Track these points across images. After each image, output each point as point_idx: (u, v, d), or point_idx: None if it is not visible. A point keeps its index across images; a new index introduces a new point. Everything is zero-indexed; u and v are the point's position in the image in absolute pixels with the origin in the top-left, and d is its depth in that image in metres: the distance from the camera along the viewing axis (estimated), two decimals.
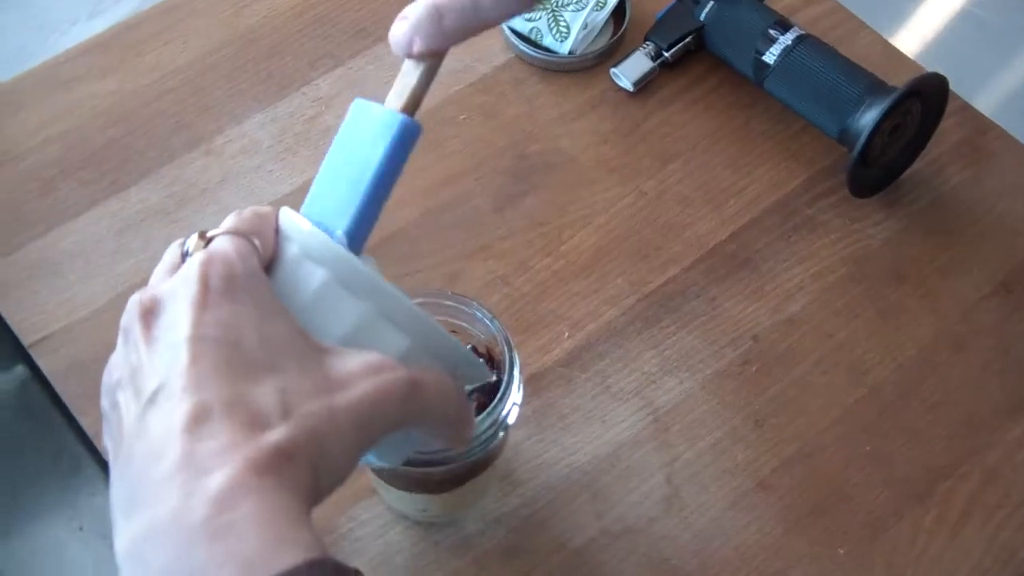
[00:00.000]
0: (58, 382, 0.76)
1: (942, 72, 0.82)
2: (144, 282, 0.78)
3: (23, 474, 0.80)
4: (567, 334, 0.79)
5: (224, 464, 0.44)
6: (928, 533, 0.72)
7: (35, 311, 0.79)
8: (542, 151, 0.86)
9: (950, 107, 0.84)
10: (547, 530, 0.72)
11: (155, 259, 0.78)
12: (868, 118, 0.80)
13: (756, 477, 0.74)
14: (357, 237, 0.53)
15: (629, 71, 0.89)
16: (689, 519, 0.72)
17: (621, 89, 0.89)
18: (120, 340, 0.50)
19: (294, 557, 0.42)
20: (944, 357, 0.79)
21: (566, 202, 0.84)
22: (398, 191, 0.83)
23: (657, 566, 0.71)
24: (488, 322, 0.66)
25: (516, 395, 0.65)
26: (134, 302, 0.50)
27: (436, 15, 0.51)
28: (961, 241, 0.84)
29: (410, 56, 0.53)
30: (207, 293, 0.48)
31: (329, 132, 0.87)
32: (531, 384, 0.77)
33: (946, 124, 0.85)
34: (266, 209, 0.53)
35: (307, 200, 0.55)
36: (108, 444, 0.50)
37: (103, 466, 0.75)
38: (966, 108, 0.90)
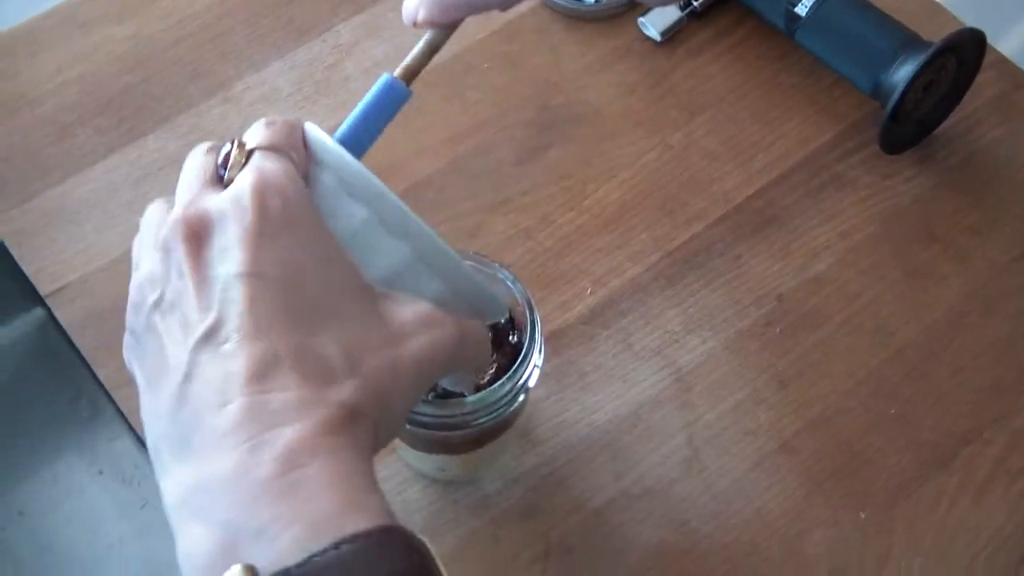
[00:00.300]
0: (75, 333, 0.76)
1: (980, 24, 0.80)
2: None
3: (42, 418, 0.80)
4: (589, 290, 0.78)
5: (294, 420, 0.42)
6: (950, 498, 0.71)
7: (52, 260, 0.78)
8: (566, 103, 0.85)
9: (986, 61, 0.82)
10: (566, 490, 0.71)
11: None
12: (902, 74, 0.78)
13: (778, 439, 0.73)
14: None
15: (657, 20, 0.87)
16: (709, 481, 0.72)
17: (648, 39, 0.88)
18: (155, 255, 0.48)
19: (365, 521, 0.41)
20: (971, 320, 0.77)
21: (590, 155, 0.83)
22: (421, 140, 0.83)
23: (676, 528, 0.70)
24: (510, 284, 0.65)
25: (537, 358, 0.64)
26: (177, 218, 0.47)
27: None
28: (993, 200, 0.82)
29: (415, 25, 0.54)
30: (264, 223, 0.46)
31: (349, 80, 0.85)
32: (552, 341, 0.76)
33: (982, 78, 0.83)
34: (295, 120, 0.51)
35: None
36: (135, 366, 0.48)
37: (122, 413, 0.75)
38: (1004, 62, 0.87)
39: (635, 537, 0.70)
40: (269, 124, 0.50)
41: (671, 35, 0.87)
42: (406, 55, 0.57)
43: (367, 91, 0.56)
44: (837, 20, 0.81)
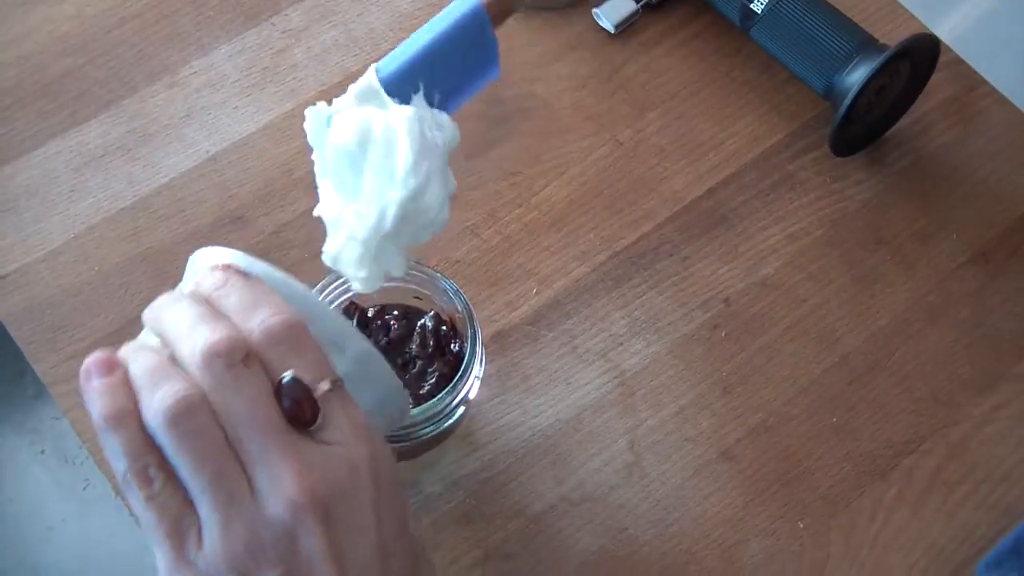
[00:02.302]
0: (13, 326, 0.74)
1: (935, 26, 0.79)
2: (104, 223, 0.77)
3: None
4: (535, 290, 0.77)
5: None
6: (888, 509, 0.72)
7: None
8: (517, 95, 0.84)
9: (941, 60, 0.81)
10: (506, 495, 0.71)
11: (114, 199, 0.78)
12: (855, 77, 0.77)
13: (720, 446, 0.73)
14: (392, 83, 0.56)
15: (611, 12, 0.86)
16: (649, 488, 0.72)
17: (602, 30, 0.86)
18: (281, 527, 0.44)
19: None
20: (916, 328, 0.77)
21: (539, 151, 0.82)
22: None
23: (615, 535, 0.70)
24: (452, 295, 0.64)
25: (478, 370, 0.64)
26: (303, 502, 0.44)
27: None
28: (942, 205, 0.82)
29: None
30: (381, 497, 0.46)
31: (297, 68, 0.84)
32: (496, 342, 0.75)
33: (934, 80, 0.82)
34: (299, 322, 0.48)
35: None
36: None
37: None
38: (957, 63, 0.87)
39: (574, 544, 0.70)
40: (298, 345, 0.46)
41: (625, 27, 0.86)
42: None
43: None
44: (792, 19, 0.80)
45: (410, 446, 0.64)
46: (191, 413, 0.43)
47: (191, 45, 0.84)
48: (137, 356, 0.46)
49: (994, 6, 1.71)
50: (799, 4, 0.80)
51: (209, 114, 0.82)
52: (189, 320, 0.46)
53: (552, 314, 0.77)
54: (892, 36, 0.81)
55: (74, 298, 0.76)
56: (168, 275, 0.76)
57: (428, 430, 0.63)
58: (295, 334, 0.46)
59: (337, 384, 0.45)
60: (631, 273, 0.78)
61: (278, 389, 0.45)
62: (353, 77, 0.83)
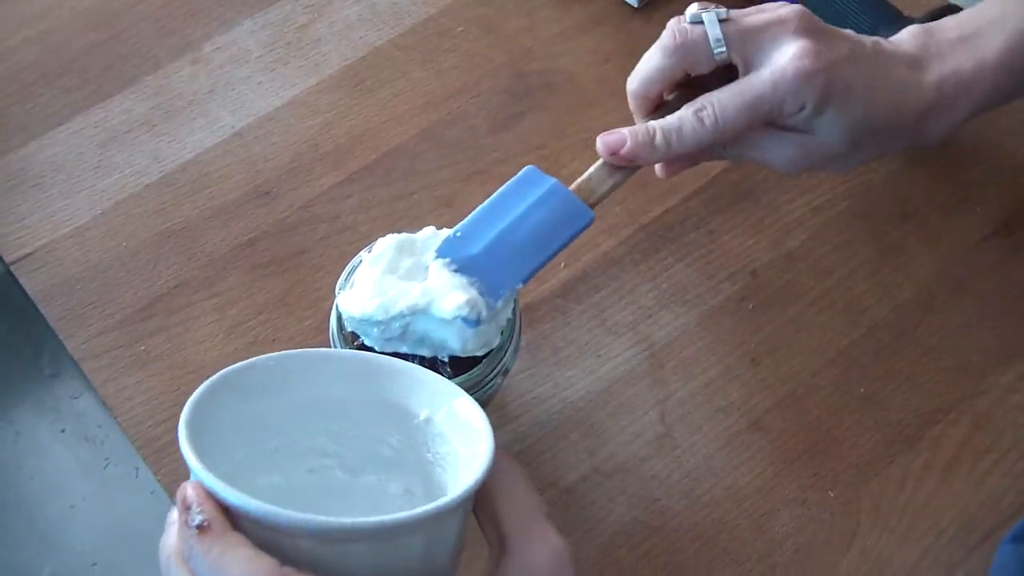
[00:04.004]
0: (42, 302, 0.74)
1: None
2: (130, 199, 0.76)
3: (1, 376, 0.79)
4: (563, 264, 0.78)
5: None
6: (916, 478, 0.73)
7: (17, 226, 0.76)
8: (541, 70, 0.84)
9: None
10: (539, 466, 0.72)
11: (140, 175, 0.78)
12: None
13: (749, 417, 0.74)
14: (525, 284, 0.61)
15: None
16: (681, 459, 0.72)
17: (625, 5, 0.86)
18: None
19: None
20: (941, 300, 0.78)
21: (565, 125, 0.82)
22: (395, 107, 0.82)
23: (647, 506, 0.71)
24: None
25: (517, 339, 0.64)
26: None
27: (653, 132, 0.63)
28: (965, 179, 0.82)
29: (609, 160, 0.65)
30: None
31: (320, 43, 0.84)
32: (526, 315, 0.76)
33: None
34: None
35: (466, 229, 0.61)
36: None
37: (82, 369, 0.74)
38: None
39: (607, 514, 0.71)
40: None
41: (648, 1, 0.86)
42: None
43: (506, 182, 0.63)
44: None
45: None
46: None
47: (214, 21, 0.84)
48: None
49: None
50: None
51: (233, 89, 0.82)
52: None
53: (581, 287, 0.77)
54: (917, 9, 0.81)
55: (102, 274, 0.76)
56: (195, 251, 0.76)
57: None
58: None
59: None
60: (658, 246, 0.79)
61: None
62: (377, 51, 0.84)
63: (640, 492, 0.71)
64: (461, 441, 0.55)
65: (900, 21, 0.78)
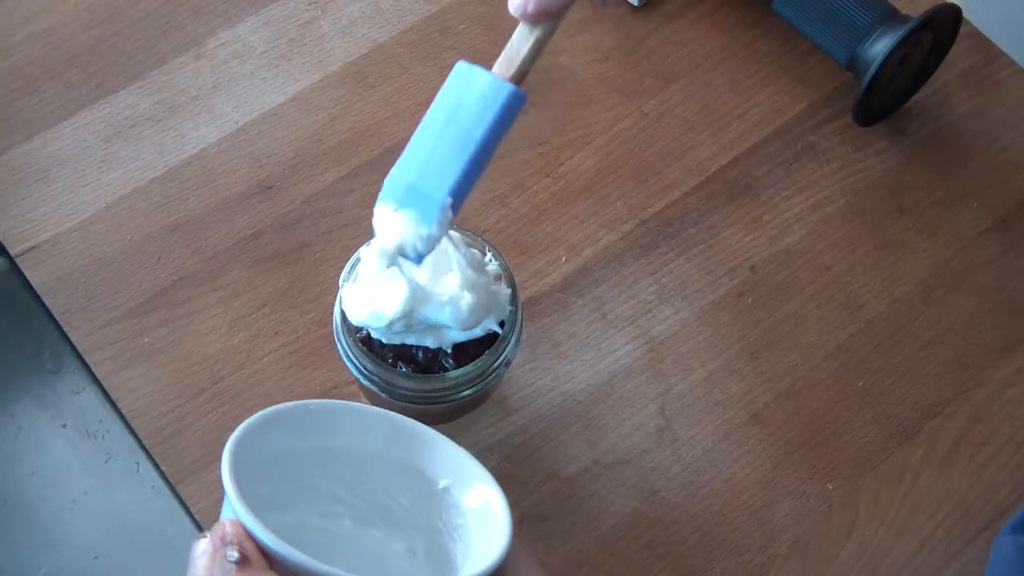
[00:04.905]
0: (47, 295, 0.75)
1: None
2: (135, 193, 0.77)
3: (3, 371, 0.80)
4: (564, 258, 0.78)
5: None
6: (914, 471, 0.73)
7: (22, 220, 0.77)
8: (542, 67, 0.84)
9: (960, 32, 0.82)
10: (540, 459, 0.72)
11: (145, 169, 0.79)
12: (879, 48, 0.78)
13: (749, 410, 0.74)
14: (458, 200, 0.54)
15: None
16: (680, 451, 0.73)
17: (625, 3, 0.87)
18: None
19: None
20: (939, 294, 0.79)
21: (565, 121, 0.83)
22: (398, 102, 0.82)
23: (647, 498, 0.72)
24: (493, 257, 0.65)
25: (518, 330, 0.65)
26: None
27: None
28: (962, 174, 0.83)
29: (524, 17, 0.52)
30: None
31: (324, 39, 0.84)
32: (526, 309, 0.76)
33: (954, 51, 0.83)
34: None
35: (404, 159, 0.55)
36: None
37: (84, 363, 0.75)
38: (976, 35, 0.88)
39: (608, 506, 0.71)
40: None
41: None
42: (504, 50, 0.55)
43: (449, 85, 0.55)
44: None
45: (449, 408, 0.65)
46: None
47: (217, 17, 0.85)
48: None
49: None
50: None
51: (237, 85, 0.82)
52: None
53: (581, 281, 0.78)
54: (913, 7, 0.82)
55: (107, 267, 0.76)
56: (199, 245, 0.77)
57: (468, 392, 0.63)
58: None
59: None
60: (658, 241, 0.79)
61: None
62: (380, 48, 0.84)
63: (640, 484, 0.72)
64: (477, 520, 0.56)
65: (898, 19, 0.79)
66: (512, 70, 0.54)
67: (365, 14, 0.85)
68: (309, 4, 0.86)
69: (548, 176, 0.81)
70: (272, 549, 0.47)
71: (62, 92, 0.81)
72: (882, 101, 0.83)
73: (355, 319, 0.61)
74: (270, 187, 0.79)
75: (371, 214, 0.77)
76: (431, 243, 0.54)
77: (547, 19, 0.54)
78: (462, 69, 0.54)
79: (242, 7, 0.85)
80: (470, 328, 0.61)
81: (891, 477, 0.73)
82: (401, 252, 0.55)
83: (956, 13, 0.80)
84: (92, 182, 0.78)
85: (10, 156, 0.79)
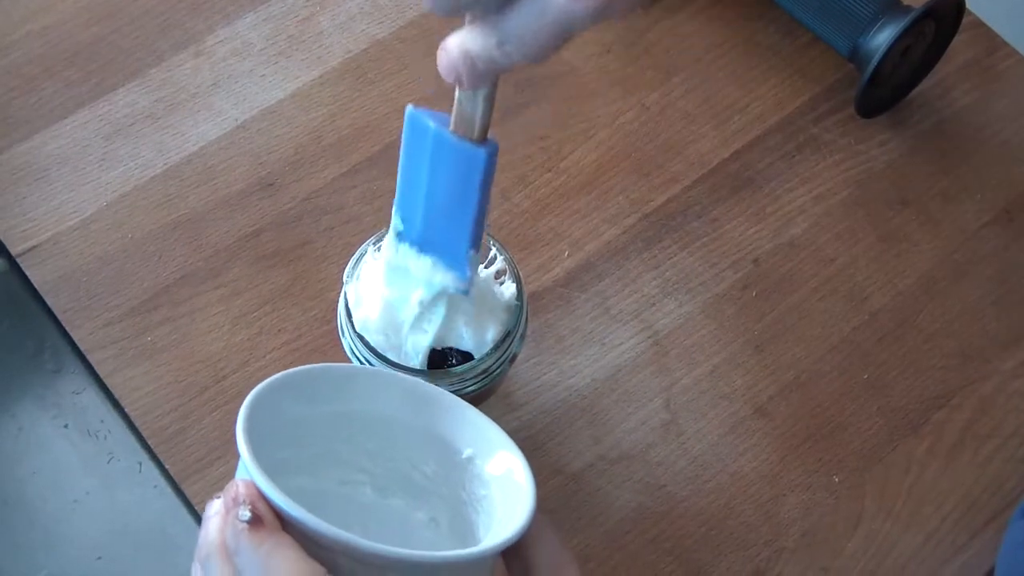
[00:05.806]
0: (49, 294, 0.75)
1: None
2: (135, 191, 0.77)
3: (4, 372, 0.79)
4: (567, 253, 0.78)
5: None
6: (920, 463, 0.73)
7: (22, 219, 0.77)
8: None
9: (963, 23, 0.82)
10: (545, 454, 0.72)
11: (145, 168, 0.78)
12: (881, 39, 0.78)
13: (754, 404, 0.74)
14: (476, 246, 0.57)
15: None
16: (686, 445, 0.73)
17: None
18: None
19: None
20: (943, 286, 0.78)
21: (567, 115, 0.82)
22: (398, 98, 0.82)
23: (653, 492, 0.71)
24: (498, 251, 0.65)
25: (524, 325, 0.64)
26: None
27: (469, 61, 0.48)
28: (965, 166, 0.83)
29: (461, 88, 0.51)
30: None
31: (323, 35, 0.84)
32: (530, 304, 0.76)
33: (956, 42, 0.83)
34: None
35: (397, 220, 0.59)
36: None
37: (86, 363, 0.74)
38: (979, 25, 0.88)
39: (613, 500, 0.71)
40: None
41: None
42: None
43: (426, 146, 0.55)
44: None
45: None
46: None
47: (216, 14, 0.84)
48: None
49: None
50: None
51: (236, 82, 0.82)
52: None
53: (584, 276, 0.77)
54: None
55: (108, 266, 0.76)
56: (200, 242, 0.76)
57: (473, 388, 0.63)
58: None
59: None
60: (661, 235, 0.79)
61: None
62: (379, 44, 0.84)
63: (646, 478, 0.72)
64: (500, 489, 0.55)
65: (900, 9, 0.79)
66: (475, 131, 0.52)
67: (364, 10, 0.85)
68: (307, 0, 0.85)
69: (550, 171, 0.80)
70: (282, 509, 0.46)
71: (61, 90, 0.81)
72: (884, 93, 0.82)
73: (370, 336, 0.61)
74: (270, 184, 0.79)
75: (372, 210, 0.78)
76: (470, 284, 0.58)
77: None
78: (419, 125, 0.54)
79: (241, 4, 0.85)
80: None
81: (897, 470, 0.73)
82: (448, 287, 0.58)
83: (959, 3, 0.79)
84: (92, 180, 0.78)
85: (10, 155, 0.79)
